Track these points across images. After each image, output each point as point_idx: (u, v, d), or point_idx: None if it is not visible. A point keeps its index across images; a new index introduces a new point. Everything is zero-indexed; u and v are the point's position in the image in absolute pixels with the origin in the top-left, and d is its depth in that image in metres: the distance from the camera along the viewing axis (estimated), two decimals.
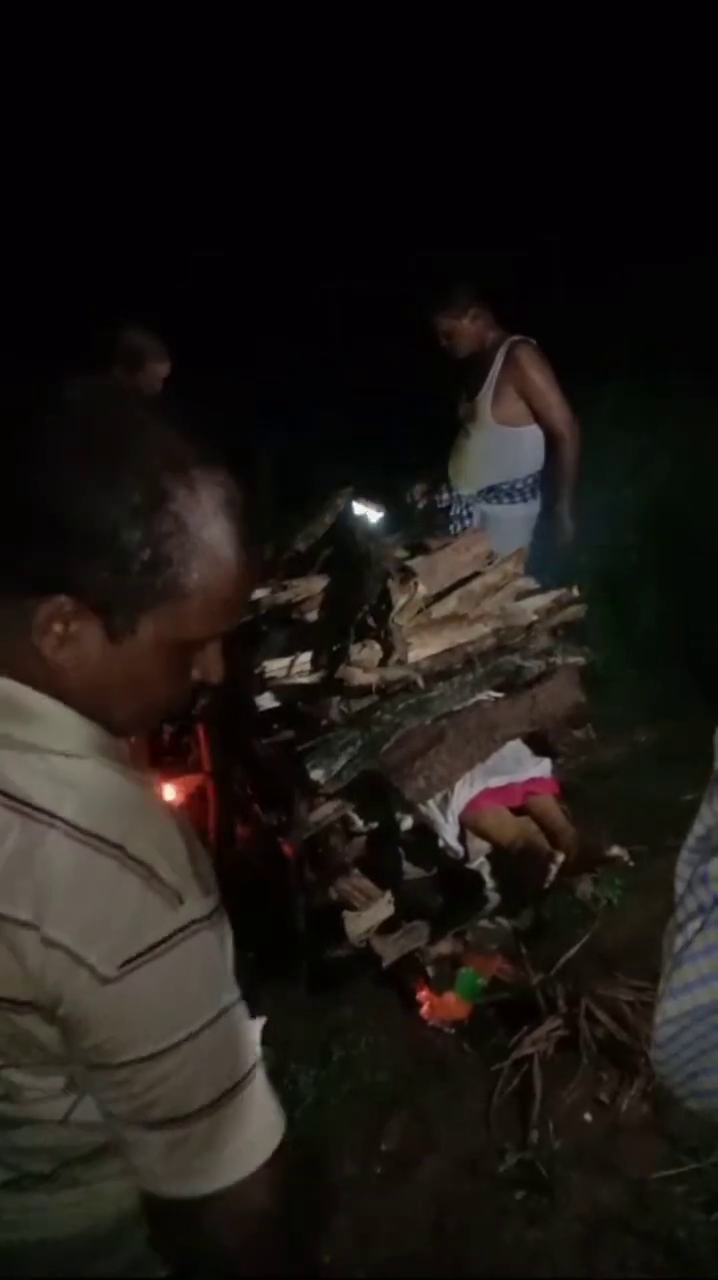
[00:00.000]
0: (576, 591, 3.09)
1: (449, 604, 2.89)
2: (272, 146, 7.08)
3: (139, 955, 0.87)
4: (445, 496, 4.14)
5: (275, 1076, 2.16)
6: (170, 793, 3.82)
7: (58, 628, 0.89)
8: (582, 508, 4.18)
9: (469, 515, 4.07)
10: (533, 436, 4.01)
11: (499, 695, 2.83)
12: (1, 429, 0.91)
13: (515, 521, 4.02)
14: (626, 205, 6.07)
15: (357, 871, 2.77)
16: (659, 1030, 1.01)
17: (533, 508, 4.12)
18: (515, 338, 3.97)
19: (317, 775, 2.51)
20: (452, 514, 4.10)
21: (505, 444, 4.02)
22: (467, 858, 2.69)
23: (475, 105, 6.67)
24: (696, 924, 1.00)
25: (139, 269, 5.96)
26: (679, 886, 1.06)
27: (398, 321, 4.10)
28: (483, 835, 2.68)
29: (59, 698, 0.92)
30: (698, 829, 1.09)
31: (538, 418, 3.97)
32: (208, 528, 0.90)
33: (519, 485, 4.06)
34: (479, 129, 6.61)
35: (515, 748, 2.84)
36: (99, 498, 0.86)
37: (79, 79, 6.79)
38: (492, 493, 4.09)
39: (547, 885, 2.54)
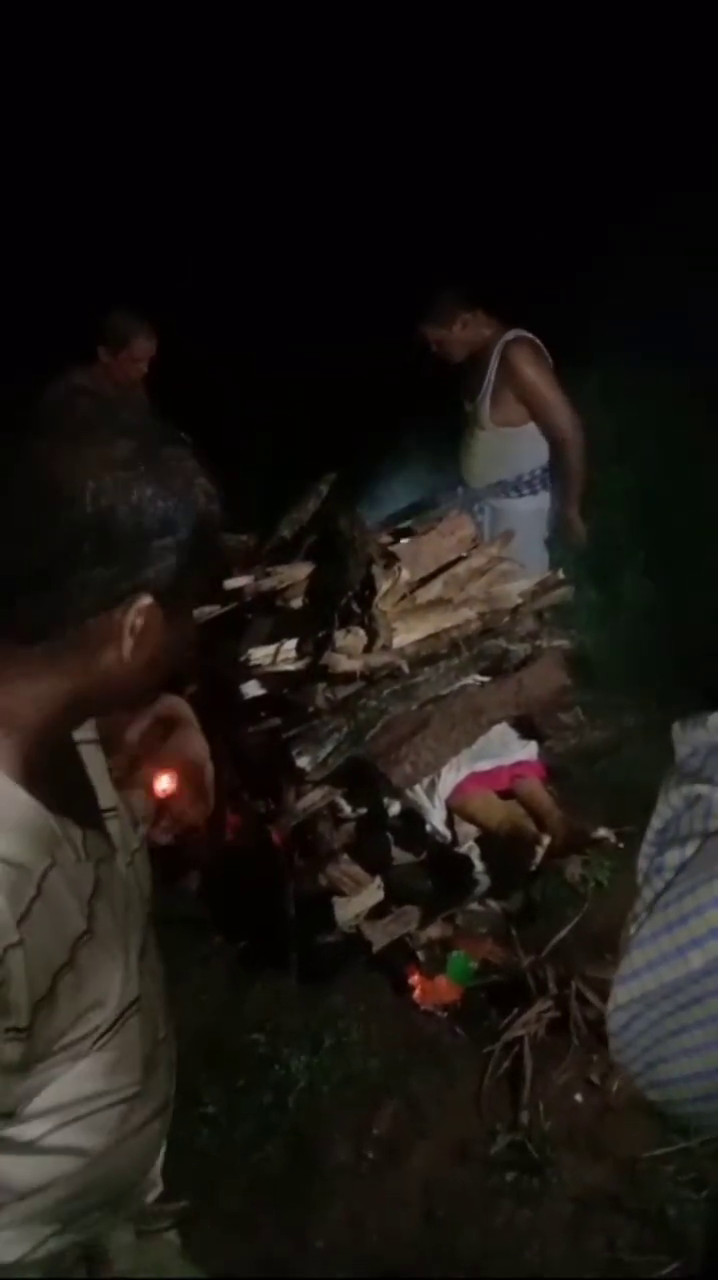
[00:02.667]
0: (561, 574, 3.08)
1: (434, 589, 2.88)
2: (269, 145, 7.05)
3: None
4: (459, 493, 4.11)
5: (267, 1063, 2.15)
6: (164, 783, 3.81)
7: (138, 628, 0.95)
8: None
9: (482, 510, 4.04)
10: (534, 432, 3.96)
11: (485, 679, 2.83)
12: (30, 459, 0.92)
13: (526, 515, 3.99)
14: (613, 187, 6.04)
15: (345, 858, 2.76)
16: (612, 1018, 1.02)
17: (543, 500, 4.08)
18: (510, 336, 3.88)
19: (303, 762, 2.51)
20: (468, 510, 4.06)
21: (507, 443, 3.99)
22: (455, 842, 2.70)
23: (465, 85, 6.64)
24: (646, 914, 1.00)
25: (138, 269, 5.93)
26: (638, 879, 1.06)
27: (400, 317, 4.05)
28: (470, 819, 2.68)
29: (84, 703, 1.00)
30: (656, 822, 1.10)
31: (537, 419, 3.91)
32: (210, 490, 0.99)
33: (527, 479, 4.02)
34: (469, 104, 6.58)
35: (502, 731, 2.84)
36: (154, 496, 0.92)
37: (80, 86, 6.76)
38: (500, 488, 4.06)
39: (534, 867, 2.55)
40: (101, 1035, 1.05)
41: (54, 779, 1.02)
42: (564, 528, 4.08)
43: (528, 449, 3.98)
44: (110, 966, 1.07)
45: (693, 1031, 1.02)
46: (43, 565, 0.90)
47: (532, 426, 3.94)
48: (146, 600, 0.95)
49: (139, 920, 1.18)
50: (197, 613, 3.11)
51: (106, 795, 1.16)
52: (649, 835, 1.08)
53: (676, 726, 1.13)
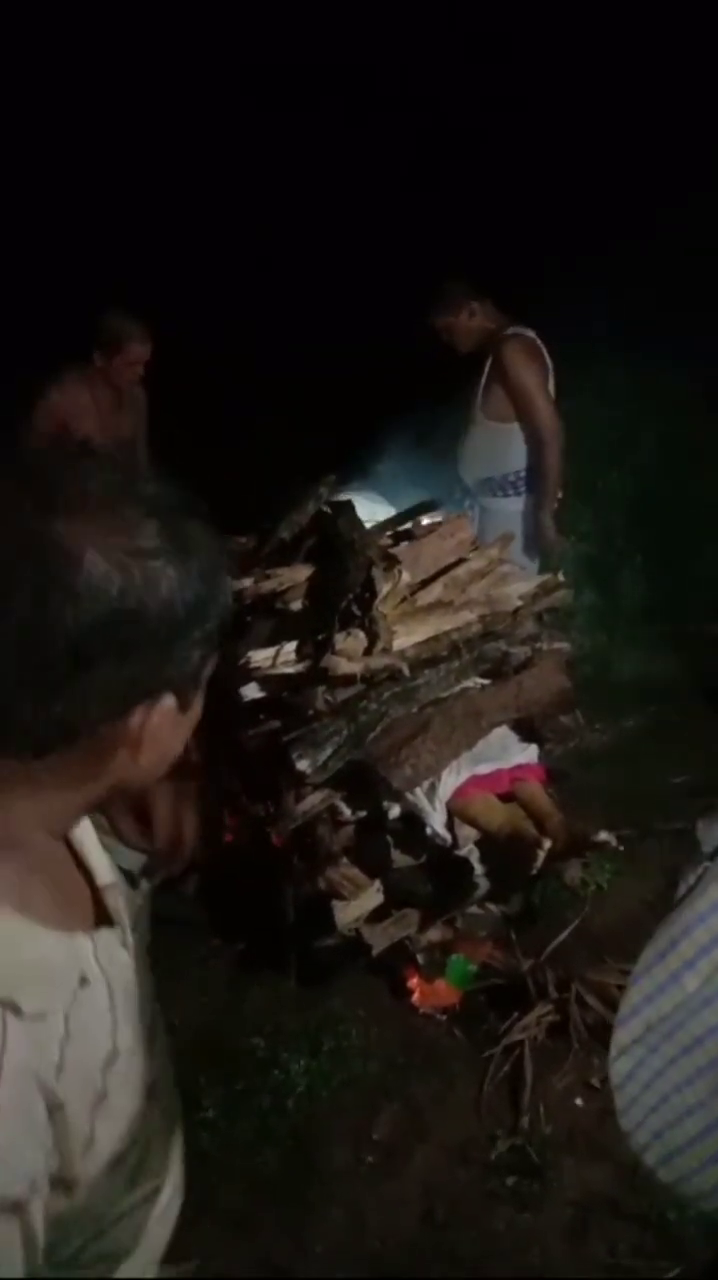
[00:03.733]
0: (561, 577, 3.08)
1: (434, 591, 2.88)
2: (269, 143, 7.06)
3: None
4: (458, 495, 4.11)
5: (266, 1067, 2.15)
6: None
7: (154, 728, 0.85)
8: (569, 491, 4.14)
9: (473, 506, 4.04)
10: (522, 432, 3.96)
11: (485, 682, 2.82)
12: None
13: (509, 515, 3.99)
14: (614, 184, 6.06)
15: (345, 861, 2.75)
16: (614, 1068, 1.00)
17: (522, 503, 4.07)
18: (509, 331, 3.89)
19: (303, 765, 2.50)
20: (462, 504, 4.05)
21: (495, 439, 3.98)
22: (455, 845, 2.69)
23: (468, 82, 6.66)
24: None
25: (135, 267, 5.93)
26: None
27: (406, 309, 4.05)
28: (471, 822, 2.67)
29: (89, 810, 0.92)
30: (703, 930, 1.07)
31: (519, 418, 3.91)
32: (219, 565, 0.88)
33: (512, 478, 4.02)
34: (473, 103, 6.60)
35: (502, 734, 2.83)
36: (182, 586, 0.81)
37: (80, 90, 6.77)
38: (487, 485, 4.07)
39: (535, 871, 2.54)
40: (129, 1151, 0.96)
41: (55, 887, 0.92)
42: (537, 531, 4.05)
43: (516, 447, 3.98)
44: (136, 1078, 0.98)
45: (696, 1084, 1.02)
46: (52, 669, 0.77)
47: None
48: (169, 701, 0.85)
49: (147, 993, 1.07)
50: None
51: (104, 870, 1.03)
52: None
53: (700, 824, 1.12)
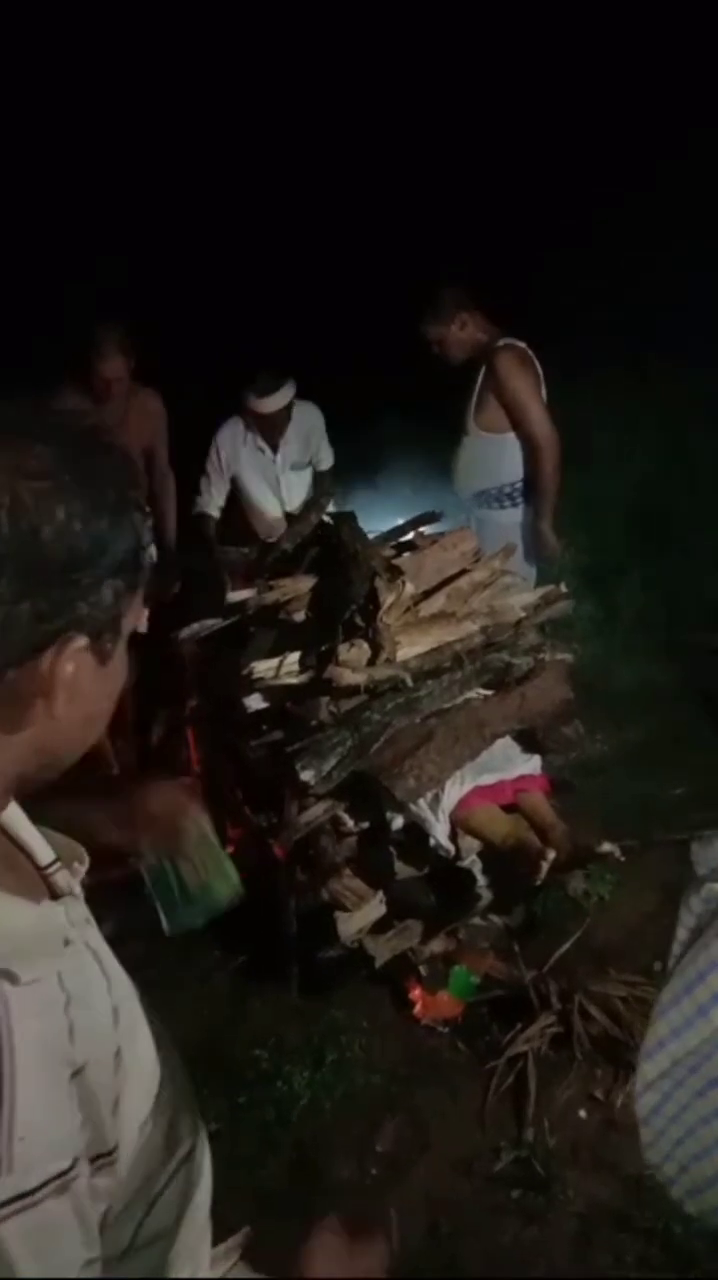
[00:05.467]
0: (563, 588, 3.09)
1: (437, 602, 2.88)
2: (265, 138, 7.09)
3: None
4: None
5: (269, 1079, 2.14)
6: None
7: (69, 677, 0.79)
8: (567, 502, 4.15)
9: (468, 519, 4.05)
10: (516, 442, 3.96)
11: (488, 693, 2.82)
12: None
13: (504, 527, 3.99)
14: (616, 196, 6.08)
15: (348, 872, 2.75)
16: (641, 1101, 1.00)
17: (521, 514, 4.08)
18: (502, 342, 3.89)
19: (307, 776, 2.50)
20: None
21: (489, 451, 3.99)
22: (458, 856, 2.69)
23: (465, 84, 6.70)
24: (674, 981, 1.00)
25: (133, 275, 5.95)
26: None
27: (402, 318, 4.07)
28: (474, 833, 2.67)
29: (13, 779, 0.85)
30: (681, 933, 1.09)
31: (515, 428, 3.91)
32: (145, 506, 0.85)
33: (507, 490, 4.03)
34: (470, 106, 6.63)
35: (505, 745, 2.83)
36: (83, 513, 0.77)
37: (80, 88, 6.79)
38: (481, 497, 4.07)
39: (538, 882, 2.54)
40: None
41: (3, 861, 0.89)
42: (536, 540, 4.05)
43: (510, 459, 3.98)
44: (143, 1031, 0.98)
45: None
46: None
47: (513, 435, 3.94)
48: (80, 642, 0.79)
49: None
50: (199, 626, 3.12)
51: (43, 851, 1.00)
52: (677, 945, 1.07)
53: (694, 846, 1.13)
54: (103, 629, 0.81)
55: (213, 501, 4.41)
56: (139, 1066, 0.95)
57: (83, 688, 0.81)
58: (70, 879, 1.01)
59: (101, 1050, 0.87)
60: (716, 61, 5.71)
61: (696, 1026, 1.01)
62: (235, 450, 4.33)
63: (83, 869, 1.04)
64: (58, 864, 1.00)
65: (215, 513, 4.43)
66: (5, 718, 0.80)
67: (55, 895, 0.97)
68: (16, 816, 0.99)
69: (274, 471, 4.39)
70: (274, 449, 4.34)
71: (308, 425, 4.41)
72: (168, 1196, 1.00)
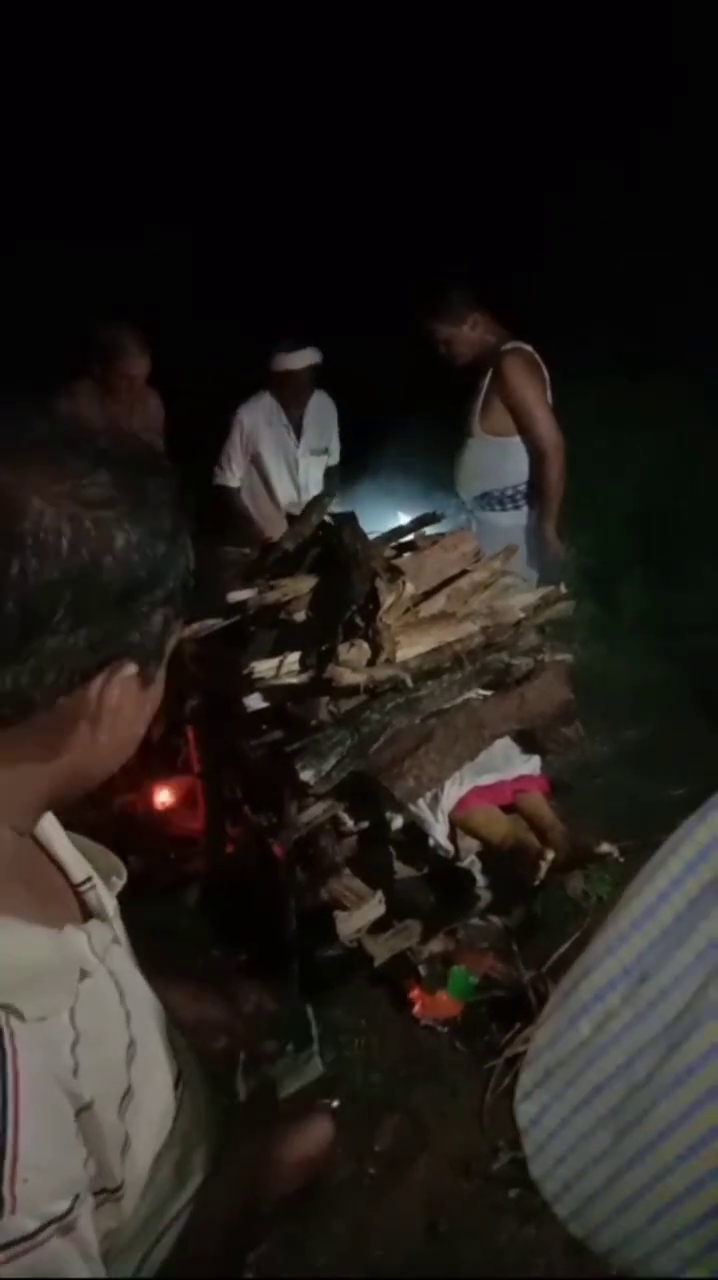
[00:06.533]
0: (563, 589, 3.09)
1: (437, 602, 2.89)
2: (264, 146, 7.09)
3: None
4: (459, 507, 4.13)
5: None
6: (164, 795, 3.81)
7: (115, 702, 0.79)
8: (568, 504, 4.15)
9: (469, 521, 4.05)
10: (521, 445, 3.97)
11: (488, 693, 2.83)
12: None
13: (506, 530, 3.99)
14: (620, 202, 6.09)
15: (347, 871, 2.76)
16: (521, 1111, 0.99)
17: (523, 517, 4.08)
18: (508, 345, 3.89)
19: (306, 776, 2.50)
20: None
21: (493, 454, 3.99)
22: (457, 856, 2.69)
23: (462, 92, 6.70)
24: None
25: (135, 277, 5.95)
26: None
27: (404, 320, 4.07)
28: (473, 833, 2.68)
29: (50, 800, 0.86)
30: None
31: (521, 432, 3.91)
32: (181, 522, 0.82)
33: (510, 493, 4.03)
34: (471, 104, 6.63)
35: (505, 745, 2.84)
36: (141, 542, 0.76)
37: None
38: (484, 499, 4.08)
39: (537, 882, 2.54)
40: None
41: (32, 884, 0.88)
42: (541, 544, 4.05)
43: (514, 462, 3.98)
44: (161, 1071, 0.97)
45: (599, 1134, 1.02)
46: (4, 633, 0.71)
47: (519, 439, 3.95)
48: (130, 669, 0.79)
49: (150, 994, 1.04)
50: (199, 626, 3.12)
51: (78, 868, 0.99)
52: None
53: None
54: (150, 656, 0.81)
55: (235, 475, 4.42)
56: (152, 1105, 0.94)
57: (126, 713, 0.81)
58: (105, 897, 1.00)
59: (111, 1088, 0.86)
60: (714, 64, 5.71)
61: (566, 1037, 1.01)
62: (257, 427, 4.34)
63: (120, 883, 1.03)
64: (91, 882, 0.99)
65: (237, 484, 4.43)
66: (49, 742, 0.79)
67: (86, 914, 0.96)
68: (52, 831, 0.98)
69: (295, 453, 4.39)
70: (298, 430, 4.34)
71: (324, 412, 4.45)
72: (176, 1229, 0.99)
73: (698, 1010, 1.00)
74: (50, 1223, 0.72)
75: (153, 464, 0.81)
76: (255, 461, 4.38)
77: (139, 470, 0.78)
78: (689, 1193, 1.00)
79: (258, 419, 4.33)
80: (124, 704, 0.80)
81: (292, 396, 4.29)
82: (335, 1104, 2.69)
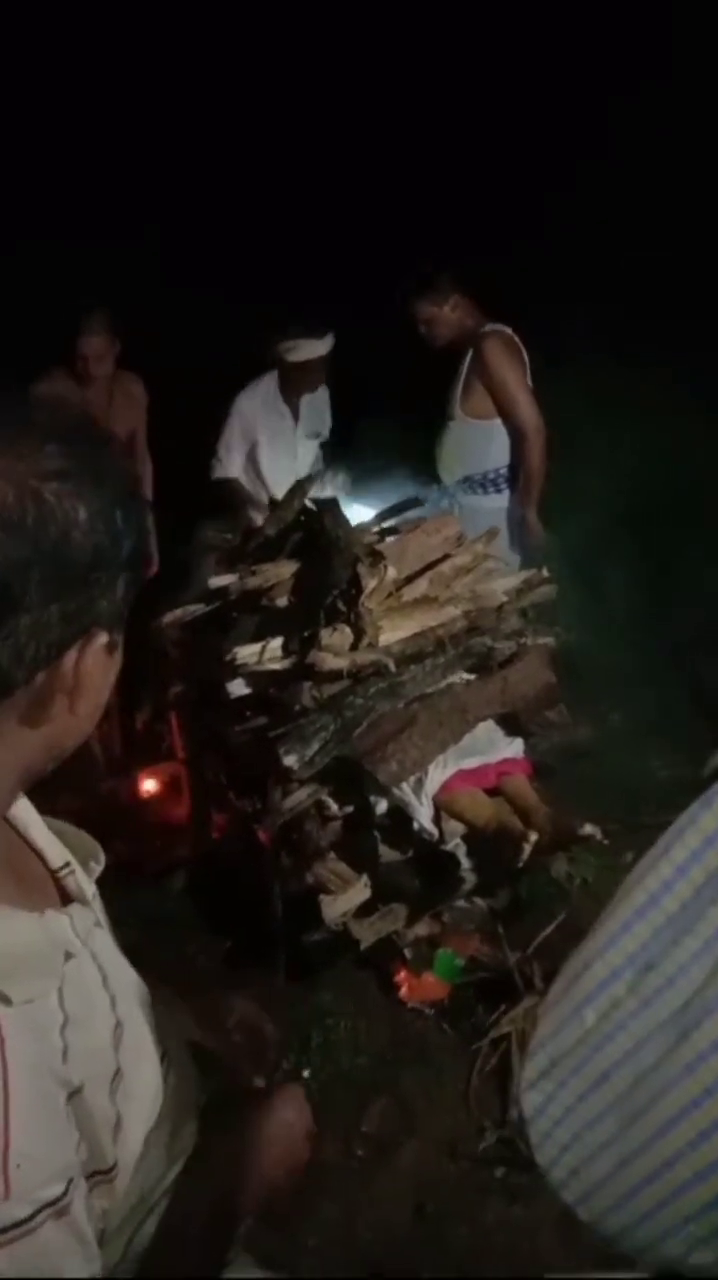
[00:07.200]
0: (545, 572, 3.09)
1: (420, 587, 2.88)
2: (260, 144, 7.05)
3: None
4: (440, 491, 4.11)
5: None
6: (149, 783, 3.81)
7: (88, 672, 0.79)
8: (552, 487, 4.15)
9: (451, 505, 4.04)
10: (503, 430, 3.95)
11: (471, 677, 2.83)
12: None
13: (489, 513, 3.98)
14: (606, 187, 6.07)
15: (332, 856, 2.76)
16: (526, 1100, 0.99)
17: (506, 500, 4.07)
18: (488, 328, 3.87)
19: (290, 761, 2.50)
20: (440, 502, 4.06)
21: (475, 437, 3.97)
22: (442, 839, 2.70)
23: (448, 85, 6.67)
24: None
25: (125, 260, 5.90)
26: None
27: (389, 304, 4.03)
28: (457, 817, 2.68)
29: (29, 775, 0.85)
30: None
31: (502, 415, 3.90)
32: (132, 490, 0.83)
33: (492, 476, 4.02)
34: (460, 89, 6.60)
35: (488, 729, 2.84)
36: (100, 510, 0.76)
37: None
38: (466, 483, 4.07)
39: (521, 865, 2.55)
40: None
41: (11, 868, 0.88)
42: (522, 529, 4.05)
43: (496, 445, 3.97)
44: (149, 1050, 0.98)
45: (605, 1121, 1.02)
46: None
47: (500, 422, 3.93)
48: (102, 638, 0.79)
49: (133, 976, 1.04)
50: (183, 612, 3.11)
51: (55, 853, 0.99)
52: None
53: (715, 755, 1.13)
54: (115, 622, 0.81)
55: (234, 465, 4.33)
56: (142, 1086, 0.94)
57: (98, 679, 0.81)
58: (84, 882, 0.99)
59: (100, 1070, 0.86)
60: (703, 54, 5.68)
61: (571, 1026, 1.01)
62: (255, 415, 4.26)
63: (99, 868, 1.02)
64: (70, 866, 0.99)
65: (237, 474, 4.36)
66: (28, 717, 0.79)
67: (66, 899, 0.96)
68: (28, 815, 0.97)
69: (293, 438, 4.34)
70: (295, 414, 4.28)
71: (318, 396, 4.38)
72: (162, 1208, 0.99)
73: (708, 998, 1.01)
74: (44, 1208, 0.72)
75: (91, 431, 0.81)
76: (253, 449, 4.33)
77: (84, 439, 0.78)
78: (700, 1178, 1.01)
79: (257, 405, 4.26)
80: (95, 671, 0.81)
81: (307, 383, 4.20)
82: (306, 1073, 2.71)
